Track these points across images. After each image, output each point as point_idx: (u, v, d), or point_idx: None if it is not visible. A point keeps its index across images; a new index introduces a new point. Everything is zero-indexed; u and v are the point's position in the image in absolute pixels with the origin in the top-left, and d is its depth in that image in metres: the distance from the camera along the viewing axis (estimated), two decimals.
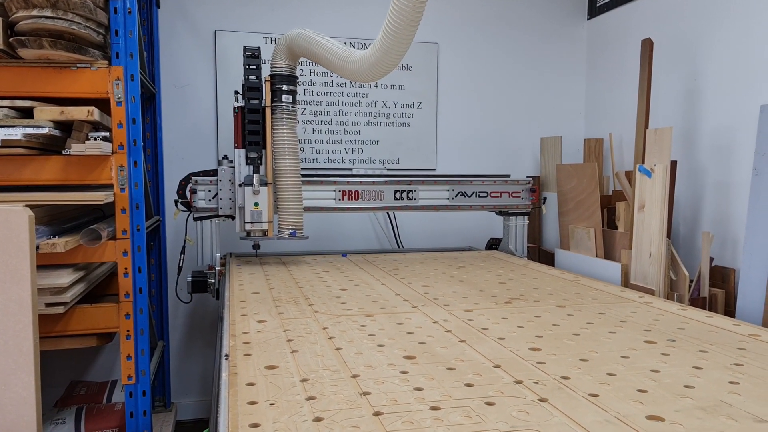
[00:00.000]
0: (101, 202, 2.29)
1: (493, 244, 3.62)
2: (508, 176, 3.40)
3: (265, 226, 2.83)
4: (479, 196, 3.30)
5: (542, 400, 1.16)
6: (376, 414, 1.08)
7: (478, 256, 3.25)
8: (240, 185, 2.83)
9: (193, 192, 2.95)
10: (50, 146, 2.34)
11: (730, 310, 2.76)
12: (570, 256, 3.43)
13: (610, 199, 3.37)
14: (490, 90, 4.10)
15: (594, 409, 1.11)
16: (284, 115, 2.79)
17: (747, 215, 2.68)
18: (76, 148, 2.26)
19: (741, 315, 2.67)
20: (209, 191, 2.97)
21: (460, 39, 4.03)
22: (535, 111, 4.17)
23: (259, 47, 2.86)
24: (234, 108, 2.81)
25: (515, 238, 3.39)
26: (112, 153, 2.45)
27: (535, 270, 2.74)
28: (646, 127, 2.98)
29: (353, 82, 3.84)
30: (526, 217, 3.39)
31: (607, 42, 3.98)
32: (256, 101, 2.81)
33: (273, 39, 3.71)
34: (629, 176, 3.13)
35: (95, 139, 2.36)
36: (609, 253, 3.20)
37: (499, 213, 3.43)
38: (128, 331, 2.50)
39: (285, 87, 2.79)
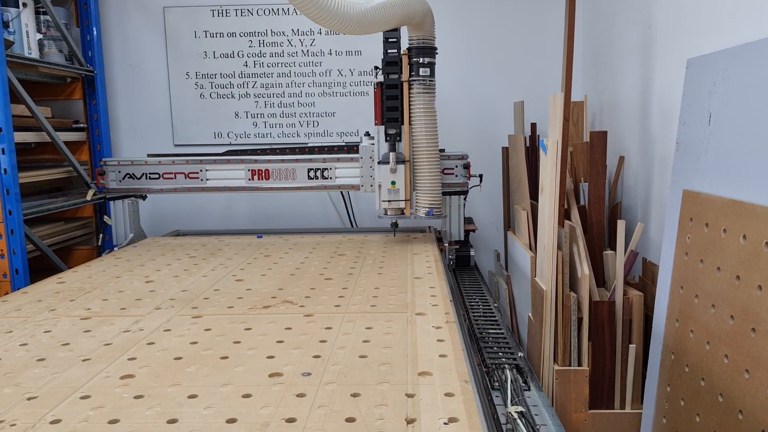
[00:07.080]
0: None
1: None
2: (442, 150, 3.03)
3: (402, 205, 2.75)
4: None
5: None
6: None
7: (407, 240, 2.96)
8: (378, 163, 2.77)
9: (102, 174, 2.99)
10: None
11: (650, 314, 2.25)
12: (512, 243, 3.01)
13: None
14: (463, 51, 3.67)
15: None
16: (421, 90, 2.66)
17: (668, 200, 2.14)
18: None
19: (656, 321, 2.17)
20: (119, 172, 3.00)
21: None
22: (520, 71, 3.67)
23: None
24: (374, 84, 2.74)
25: (449, 220, 3.03)
26: None
27: (408, 260, 2.42)
28: (568, 89, 2.47)
29: (305, 51, 3.64)
30: (462, 197, 3.01)
31: None
32: (395, 76, 2.69)
33: (221, 12, 3.61)
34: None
35: None
36: None
37: None
38: None
39: (422, 60, 2.65)
